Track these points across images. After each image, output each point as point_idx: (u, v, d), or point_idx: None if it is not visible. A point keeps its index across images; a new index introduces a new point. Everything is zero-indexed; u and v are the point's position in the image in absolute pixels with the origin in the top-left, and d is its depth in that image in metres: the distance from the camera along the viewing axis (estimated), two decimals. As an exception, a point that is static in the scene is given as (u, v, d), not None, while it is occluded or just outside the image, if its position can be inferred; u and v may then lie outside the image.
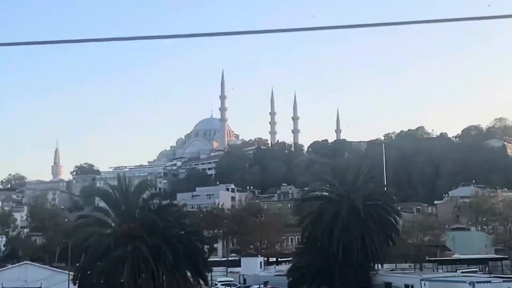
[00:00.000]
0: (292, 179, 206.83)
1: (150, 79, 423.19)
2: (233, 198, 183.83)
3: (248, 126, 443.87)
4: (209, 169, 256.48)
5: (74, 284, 57.26)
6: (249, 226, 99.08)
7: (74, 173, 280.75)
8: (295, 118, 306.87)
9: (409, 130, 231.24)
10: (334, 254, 53.21)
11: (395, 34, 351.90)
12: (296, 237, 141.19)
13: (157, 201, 52.39)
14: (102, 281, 48.08)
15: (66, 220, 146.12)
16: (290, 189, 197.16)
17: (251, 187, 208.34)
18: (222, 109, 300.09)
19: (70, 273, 61.74)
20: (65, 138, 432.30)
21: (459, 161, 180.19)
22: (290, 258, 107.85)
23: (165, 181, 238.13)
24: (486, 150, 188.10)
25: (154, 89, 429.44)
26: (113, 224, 50.79)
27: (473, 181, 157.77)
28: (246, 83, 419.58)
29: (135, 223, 49.08)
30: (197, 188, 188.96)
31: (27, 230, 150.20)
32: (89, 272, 48.65)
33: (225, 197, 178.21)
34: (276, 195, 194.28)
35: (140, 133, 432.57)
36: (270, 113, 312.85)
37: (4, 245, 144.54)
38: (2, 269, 71.33)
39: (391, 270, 60.85)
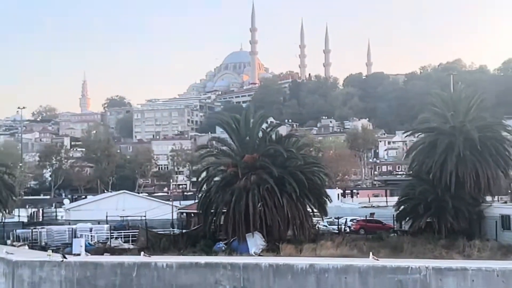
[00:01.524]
0: (330, 112, 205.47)
1: (180, 11, 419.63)
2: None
3: (276, 60, 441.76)
4: (244, 102, 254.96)
5: (189, 219, 57.14)
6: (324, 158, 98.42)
7: (106, 105, 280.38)
8: (326, 51, 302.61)
9: (447, 63, 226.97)
10: (447, 186, 52.17)
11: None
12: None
13: (276, 132, 51.28)
14: (225, 211, 47.68)
15: (118, 151, 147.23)
16: (331, 121, 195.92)
17: (290, 120, 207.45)
18: (253, 42, 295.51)
19: (175, 204, 61.93)
20: (91, 71, 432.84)
21: (501, 95, 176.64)
22: (357, 191, 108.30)
23: (201, 114, 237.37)
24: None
25: (183, 25, 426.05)
26: (234, 155, 49.95)
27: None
28: (275, 15, 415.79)
29: (257, 154, 48.20)
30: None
31: (73, 161, 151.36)
32: (212, 201, 48.12)
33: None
34: (315, 128, 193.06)
35: (168, 66, 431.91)
36: (300, 46, 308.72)
37: (50, 176, 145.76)
38: (101, 197, 71.71)
39: (505, 202, 59.91)
